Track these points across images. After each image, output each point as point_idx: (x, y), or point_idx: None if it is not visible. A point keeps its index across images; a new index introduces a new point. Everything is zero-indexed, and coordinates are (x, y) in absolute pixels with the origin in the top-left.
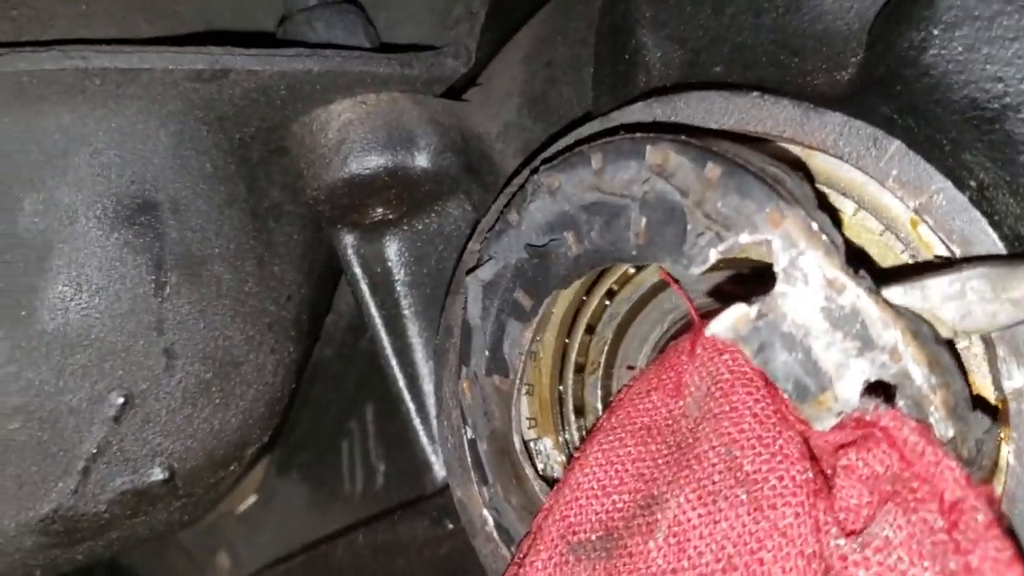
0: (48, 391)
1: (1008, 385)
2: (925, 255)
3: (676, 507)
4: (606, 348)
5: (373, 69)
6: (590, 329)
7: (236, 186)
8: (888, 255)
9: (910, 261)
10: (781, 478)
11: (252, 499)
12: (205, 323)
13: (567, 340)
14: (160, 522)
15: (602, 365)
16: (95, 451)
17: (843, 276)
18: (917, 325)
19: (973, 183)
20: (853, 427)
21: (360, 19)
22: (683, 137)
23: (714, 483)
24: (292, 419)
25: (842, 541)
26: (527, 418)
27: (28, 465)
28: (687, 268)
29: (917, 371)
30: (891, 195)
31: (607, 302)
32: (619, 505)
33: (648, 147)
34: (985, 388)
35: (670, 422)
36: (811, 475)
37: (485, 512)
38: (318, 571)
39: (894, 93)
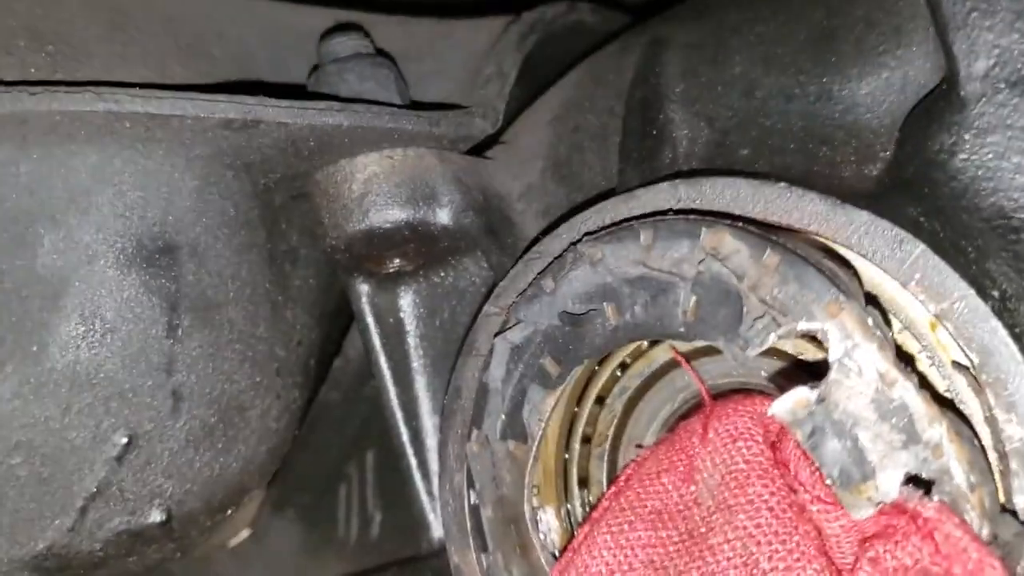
0: (53, 428)
1: (1020, 500)
2: (942, 356)
3: None
4: (615, 421)
5: (402, 126)
6: (600, 400)
7: (256, 231)
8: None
9: (927, 362)
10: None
11: (245, 533)
12: (214, 367)
13: (576, 410)
14: (152, 560)
15: (610, 438)
16: (95, 490)
17: (895, 370)
18: (959, 426)
19: (996, 293)
20: (890, 513)
21: (392, 73)
22: (741, 224)
23: None
24: (291, 458)
25: None
26: (531, 485)
27: (26, 501)
28: (744, 349)
29: (958, 469)
30: (913, 299)
31: (619, 374)
32: None
33: (704, 229)
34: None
35: (682, 508)
36: (828, 574)
37: None
38: None
39: (922, 195)
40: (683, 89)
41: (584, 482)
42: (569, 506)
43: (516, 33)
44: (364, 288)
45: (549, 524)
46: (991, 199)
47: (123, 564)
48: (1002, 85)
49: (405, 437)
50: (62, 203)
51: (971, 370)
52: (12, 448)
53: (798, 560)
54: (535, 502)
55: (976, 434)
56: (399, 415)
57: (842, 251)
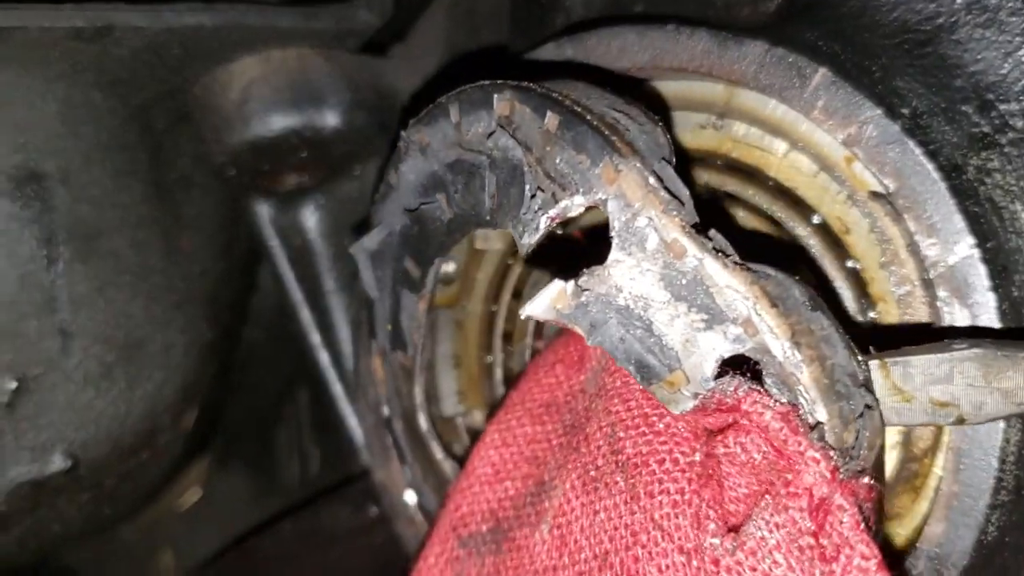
0: None
1: (949, 325)
2: (861, 195)
3: (561, 495)
4: None
5: (274, 23)
6: (517, 295)
7: (136, 155)
8: (824, 196)
9: (847, 203)
10: (662, 461)
11: (196, 494)
12: (104, 300)
13: (494, 308)
14: (73, 517)
15: (531, 332)
16: None
17: (684, 237)
18: (784, 289)
19: (906, 111)
20: (720, 412)
21: None
22: (526, 83)
23: (597, 468)
24: (229, 408)
25: (716, 540)
26: (455, 392)
27: None
28: (522, 237)
29: (777, 345)
30: (821, 131)
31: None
32: (511, 492)
33: (495, 96)
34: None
35: (569, 398)
36: (699, 457)
37: (407, 493)
38: (249, 565)
39: (820, 18)
40: None
41: (509, 381)
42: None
43: None
44: (265, 210)
45: (481, 428)
46: (893, 14)
47: (37, 520)
48: None
49: (326, 362)
50: None
51: (887, 197)
52: None
53: (664, 443)
54: (462, 408)
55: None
56: (317, 339)
57: (743, 92)
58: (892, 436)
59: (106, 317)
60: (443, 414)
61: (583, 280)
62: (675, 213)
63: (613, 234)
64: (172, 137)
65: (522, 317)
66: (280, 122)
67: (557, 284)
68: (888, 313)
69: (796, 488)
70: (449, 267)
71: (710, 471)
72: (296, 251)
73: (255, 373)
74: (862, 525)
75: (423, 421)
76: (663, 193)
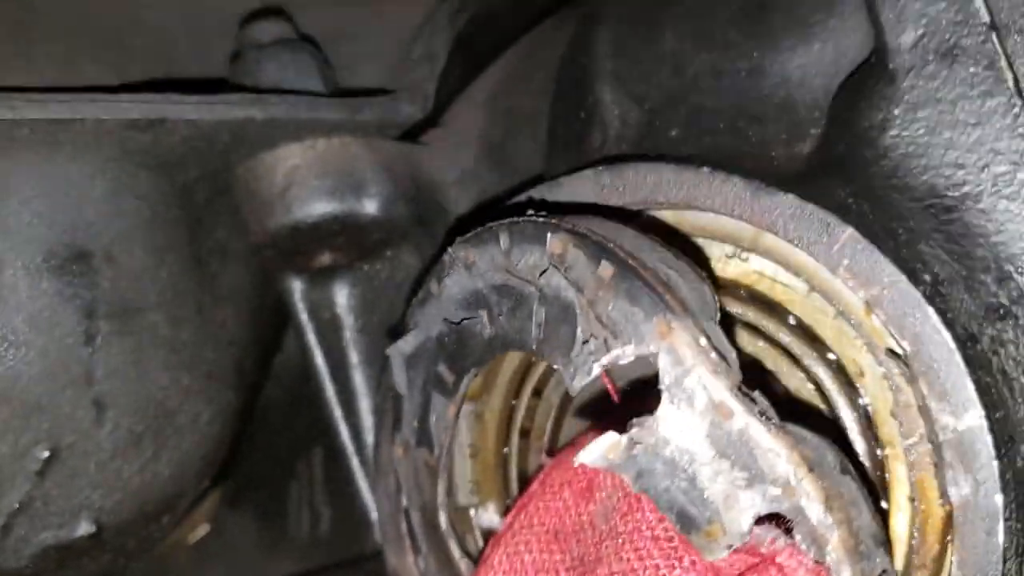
0: None
1: (955, 493)
2: (879, 347)
3: None
4: (552, 414)
5: (320, 115)
6: (537, 393)
7: (177, 230)
8: (843, 339)
9: (864, 349)
10: None
11: (204, 529)
12: (138, 373)
13: (514, 402)
14: (91, 572)
15: (548, 432)
16: (17, 507)
17: (731, 399)
18: (820, 454)
19: (928, 277)
20: (747, 554)
21: (315, 59)
22: (583, 228)
23: None
24: (242, 456)
25: None
26: (469, 481)
27: None
28: (572, 379)
29: (812, 508)
30: (845, 287)
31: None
32: None
33: (549, 235)
34: (931, 489)
35: (577, 529)
36: None
37: None
38: None
39: (851, 175)
40: (613, 67)
41: (524, 477)
42: (510, 502)
43: (447, 11)
44: (297, 284)
45: (491, 520)
46: (923, 177)
47: None
48: (931, 56)
49: (345, 436)
50: None
51: (903, 359)
52: None
53: None
54: (475, 499)
55: (858, 462)
56: (338, 413)
57: (769, 234)
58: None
59: (139, 389)
60: (457, 503)
61: (635, 432)
62: (723, 375)
63: (663, 388)
64: (212, 209)
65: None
66: (321, 208)
67: (611, 436)
68: (894, 458)
69: None
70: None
71: None
72: (324, 324)
73: (271, 429)
74: None
75: (443, 519)
76: (713, 355)
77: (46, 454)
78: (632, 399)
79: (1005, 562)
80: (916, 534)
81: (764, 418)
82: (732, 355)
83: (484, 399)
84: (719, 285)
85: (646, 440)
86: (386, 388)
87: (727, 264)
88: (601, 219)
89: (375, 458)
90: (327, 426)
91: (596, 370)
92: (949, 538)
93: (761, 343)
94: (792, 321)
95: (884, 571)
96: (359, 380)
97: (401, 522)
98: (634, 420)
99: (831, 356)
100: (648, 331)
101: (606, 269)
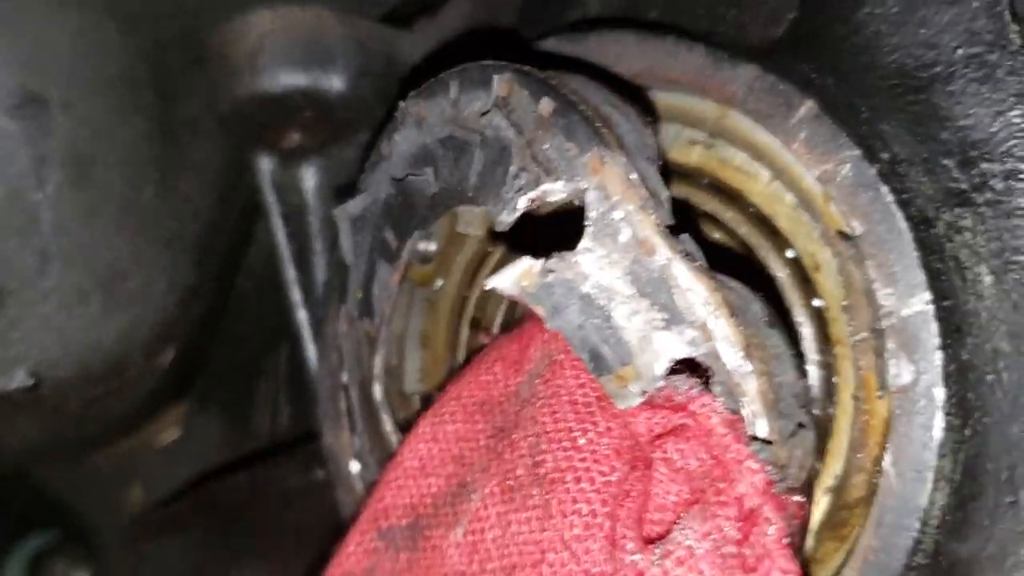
0: None
1: (894, 382)
2: (833, 233)
3: (479, 500)
4: (504, 305)
5: None
6: None
7: (144, 93)
8: (800, 231)
9: (821, 240)
10: (578, 479)
11: (175, 433)
12: (89, 229)
13: (467, 292)
14: (33, 435)
15: (498, 324)
16: None
17: (656, 236)
18: (745, 302)
19: (886, 155)
20: (667, 409)
21: None
22: (527, 68)
23: (516, 478)
24: (213, 354)
25: (639, 556)
26: (419, 369)
27: None
28: (499, 215)
29: (729, 353)
30: (800, 165)
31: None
32: (433, 489)
33: (495, 76)
34: (873, 386)
35: (502, 400)
36: (618, 476)
37: (352, 462)
38: (203, 507)
39: (818, 51)
40: None
41: None
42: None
43: None
44: (266, 164)
45: None
46: (892, 56)
47: None
48: None
49: (304, 320)
50: None
51: (853, 239)
52: None
53: (583, 460)
54: (422, 387)
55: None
56: (298, 298)
57: (735, 114)
58: (827, 481)
59: (88, 245)
60: (403, 389)
61: (551, 262)
62: (651, 212)
63: (588, 223)
64: (184, 80)
65: (486, 288)
66: (287, 79)
67: (525, 261)
68: (843, 357)
69: (727, 497)
70: (429, 246)
71: (628, 488)
72: (291, 208)
73: (242, 324)
74: (786, 540)
75: (378, 391)
76: (643, 190)
77: None
78: None
79: (941, 458)
80: (857, 435)
81: (689, 258)
82: (664, 195)
83: (437, 286)
84: (683, 173)
85: (563, 273)
86: (335, 263)
87: (691, 150)
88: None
89: (320, 336)
90: (288, 313)
91: (522, 203)
92: (888, 439)
93: (718, 234)
94: (752, 211)
95: (801, 425)
96: (321, 266)
97: (340, 399)
98: (552, 253)
99: (789, 253)
100: (581, 166)
101: (546, 106)
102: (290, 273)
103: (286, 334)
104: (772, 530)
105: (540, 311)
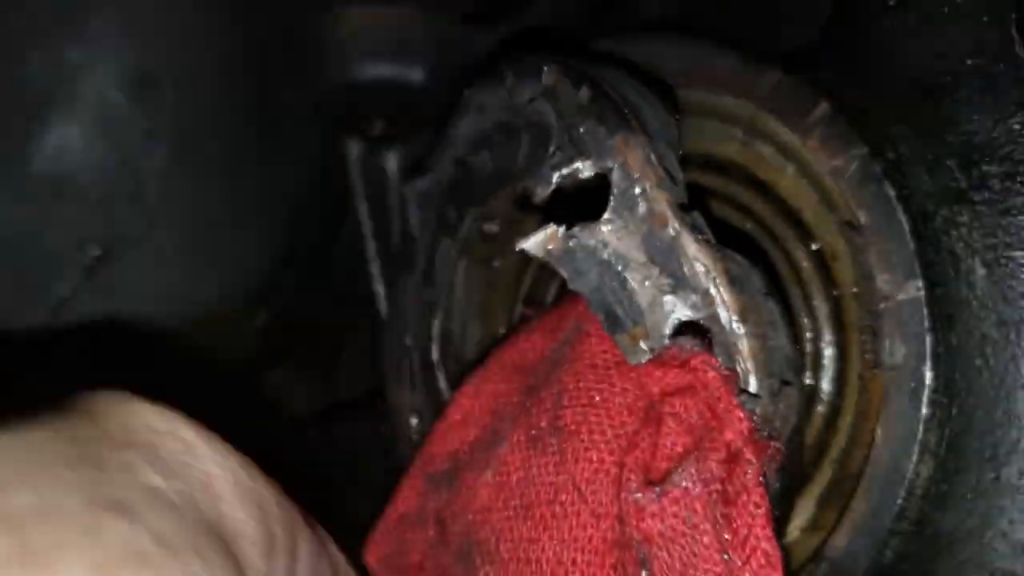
0: (30, 231)
1: (888, 362)
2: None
3: (507, 447)
4: (556, 284)
5: None
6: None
7: (247, 77)
8: (821, 223)
9: (839, 232)
10: (591, 431)
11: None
12: (191, 199)
13: (524, 271)
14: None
15: (552, 299)
16: (66, 296)
17: (669, 211)
18: (746, 274)
19: (892, 155)
20: (676, 368)
21: None
22: (572, 61)
23: (539, 429)
24: (304, 323)
25: (640, 495)
26: (475, 339)
27: (3, 294)
28: (534, 189)
29: (727, 317)
30: (817, 161)
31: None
32: (470, 438)
33: (545, 68)
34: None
35: (536, 363)
36: (628, 430)
37: (411, 417)
38: (279, 459)
39: (839, 58)
40: None
41: None
42: None
43: None
44: (354, 149)
45: None
46: (907, 64)
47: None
48: None
49: (382, 292)
50: (53, 21)
51: (858, 229)
52: None
53: (596, 415)
54: (474, 354)
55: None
56: (377, 271)
57: (764, 112)
58: (833, 454)
59: (189, 212)
60: (459, 354)
61: (575, 230)
62: (667, 189)
63: (611, 198)
64: (283, 67)
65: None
66: (375, 70)
67: (552, 227)
68: (853, 340)
69: (718, 442)
70: (492, 227)
71: (638, 441)
72: (374, 190)
73: (331, 296)
74: (761, 479)
75: (435, 353)
76: (660, 171)
77: (98, 252)
78: None
79: (926, 433)
80: (860, 411)
81: (696, 232)
82: (679, 177)
83: (496, 265)
84: (722, 166)
85: (586, 240)
86: (405, 237)
87: (729, 145)
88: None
89: (389, 304)
90: (370, 287)
91: (555, 179)
92: (881, 414)
93: (750, 224)
94: (781, 204)
95: (786, 382)
96: None
97: (404, 361)
98: (578, 223)
99: (813, 245)
100: (608, 147)
101: (585, 95)
102: (371, 249)
103: (367, 305)
104: (750, 470)
105: (564, 272)
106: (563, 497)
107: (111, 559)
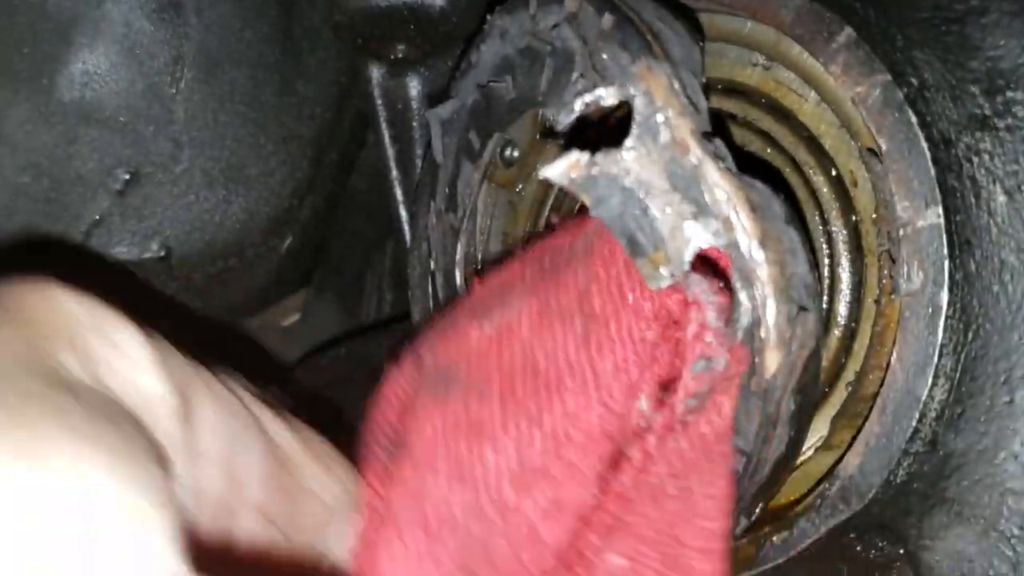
0: (60, 156)
1: (905, 287)
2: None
3: (514, 311)
4: (577, 206)
5: None
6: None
7: (268, 2)
8: (842, 149)
9: (859, 158)
10: (619, 328)
11: (295, 316)
12: (216, 123)
13: (545, 196)
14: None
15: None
16: (98, 218)
17: (691, 138)
18: (767, 201)
19: (915, 81)
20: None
21: None
22: None
23: (560, 304)
24: (328, 246)
25: (646, 407)
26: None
27: (35, 219)
28: (556, 116)
29: (745, 242)
30: (839, 87)
31: None
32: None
33: None
34: (889, 289)
35: (552, 251)
36: (652, 338)
37: None
38: (309, 379)
39: None
40: None
41: None
42: None
43: None
44: (376, 72)
45: None
46: None
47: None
48: None
49: (404, 219)
50: None
51: (879, 156)
52: (23, 168)
53: (628, 314)
54: None
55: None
56: (400, 196)
57: (786, 40)
58: (848, 377)
59: (215, 137)
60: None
61: (598, 157)
62: (689, 117)
63: (634, 125)
64: None
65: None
66: None
67: (574, 154)
68: (871, 266)
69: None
70: (514, 152)
71: (658, 356)
72: (396, 114)
73: (354, 220)
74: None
75: (459, 276)
76: (683, 99)
77: (126, 176)
78: None
79: (941, 357)
80: (875, 336)
81: (718, 160)
82: (702, 104)
83: (518, 189)
84: (744, 92)
85: (608, 168)
86: (428, 163)
87: (752, 71)
88: None
89: (412, 229)
90: (393, 211)
91: (579, 106)
92: (897, 338)
93: (770, 150)
94: (802, 131)
95: (803, 308)
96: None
97: (428, 284)
98: (600, 150)
99: (833, 171)
100: (631, 74)
101: (607, 20)
102: (394, 173)
103: (391, 229)
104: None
105: (586, 199)
106: (578, 375)
107: (30, 438)
